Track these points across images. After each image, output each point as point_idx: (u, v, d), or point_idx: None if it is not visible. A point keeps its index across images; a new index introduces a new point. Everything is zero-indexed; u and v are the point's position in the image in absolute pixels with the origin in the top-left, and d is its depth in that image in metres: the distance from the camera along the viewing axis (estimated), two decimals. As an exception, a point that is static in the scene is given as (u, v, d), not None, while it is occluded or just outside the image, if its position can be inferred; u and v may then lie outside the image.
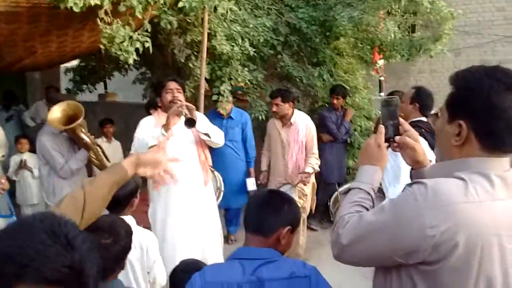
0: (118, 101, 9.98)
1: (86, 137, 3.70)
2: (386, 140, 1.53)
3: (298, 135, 4.59)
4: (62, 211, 1.34)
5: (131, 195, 2.27)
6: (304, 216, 4.56)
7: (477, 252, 1.20)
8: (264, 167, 4.95)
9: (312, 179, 4.72)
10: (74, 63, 8.41)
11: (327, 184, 5.53)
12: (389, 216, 1.28)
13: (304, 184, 4.46)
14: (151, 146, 3.38)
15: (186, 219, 3.58)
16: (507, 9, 8.50)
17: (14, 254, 0.88)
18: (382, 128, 1.53)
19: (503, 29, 8.53)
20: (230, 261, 1.69)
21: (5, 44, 4.42)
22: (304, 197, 4.39)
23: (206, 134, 3.60)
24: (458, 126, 1.29)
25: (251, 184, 5.06)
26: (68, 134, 3.80)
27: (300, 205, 4.30)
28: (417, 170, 1.57)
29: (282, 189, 4.44)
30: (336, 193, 4.65)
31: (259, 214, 1.74)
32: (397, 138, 1.54)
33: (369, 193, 1.47)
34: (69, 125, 3.56)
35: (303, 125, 4.63)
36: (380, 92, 7.01)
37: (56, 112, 3.52)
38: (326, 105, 6.00)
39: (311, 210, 4.74)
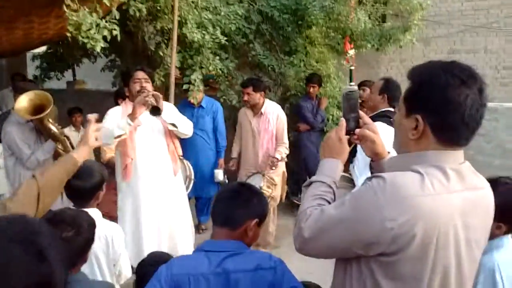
0: (87, 88, 9.78)
1: (54, 128, 3.62)
2: (347, 133, 1.56)
3: (269, 124, 4.61)
4: (19, 203, 1.33)
5: (96, 188, 2.24)
6: (274, 204, 4.60)
7: (433, 242, 1.25)
8: (234, 154, 4.96)
9: (282, 167, 4.76)
10: (42, 49, 8.19)
11: (309, 174, 5.61)
12: (350, 210, 1.31)
13: (271, 168, 4.49)
14: (117, 136, 3.35)
15: (155, 210, 3.57)
16: (476, -1, 8.67)
17: None
18: (343, 121, 1.55)
19: (472, 19, 8.70)
20: (197, 253, 1.70)
21: (-32, 31, 4.27)
22: (274, 187, 4.42)
23: (173, 125, 3.57)
24: (415, 120, 1.32)
25: (219, 175, 5.05)
26: (35, 125, 3.72)
27: (269, 194, 4.33)
28: (377, 162, 1.60)
29: (252, 178, 4.48)
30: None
31: (227, 207, 1.75)
32: (357, 130, 1.57)
33: (330, 186, 1.49)
34: (37, 115, 3.47)
35: (273, 114, 4.65)
36: (351, 81, 7.04)
37: (23, 102, 3.42)
38: (298, 94, 6.03)
39: (281, 199, 4.78)
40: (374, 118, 2.51)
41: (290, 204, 6.07)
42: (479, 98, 1.28)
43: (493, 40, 8.69)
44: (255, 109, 4.68)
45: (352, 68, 6.28)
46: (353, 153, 3.23)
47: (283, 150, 4.62)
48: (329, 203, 1.45)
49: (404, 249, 1.24)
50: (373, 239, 1.25)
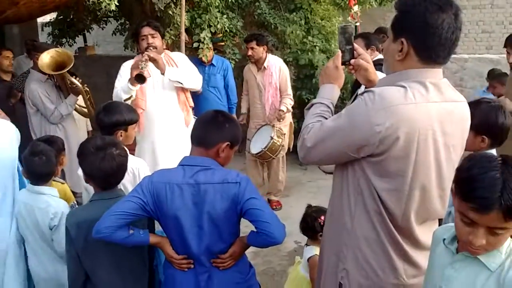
0: (99, 54, 9.97)
1: (76, 82, 3.86)
2: (343, 63, 1.78)
3: (272, 78, 4.83)
4: None
5: (118, 125, 2.50)
6: (283, 153, 4.86)
7: (414, 143, 1.49)
8: (244, 110, 5.21)
9: (289, 118, 5.00)
10: (52, 16, 8.34)
11: None
12: (345, 119, 1.56)
13: (279, 121, 4.73)
14: (126, 99, 3.42)
15: (171, 157, 3.68)
16: None
17: None
18: (339, 52, 1.77)
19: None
20: (176, 167, 1.99)
21: (-13, -4, 4.47)
22: (283, 136, 4.67)
23: (178, 82, 3.59)
24: (401, 43, 1.55)
25: None
26: (57, 80, 3.96)
27: (279, 144, 4.59)
28: (370, 88, 1.83)
29: (262, 129, 4.73)
30: None
31: (203, 129, 2.01)
32: (352, 61, 1.78)
33: (328, 107, 1.73)
34: (59, 71, 3.71)
35: (276, 68, 4.85)
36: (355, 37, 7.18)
37: (46, 58, 3.66)
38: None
39: (289, 148, 5.04)
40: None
41: (298, 157, 6.33)
42: (455, 22, 1.50)
43: (500, -6, 8.69)
44: (259, 64, 4.88)
45: (357, 24, 6.40)
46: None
47: (288, 102, 4.85)
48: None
49: (390, 149, 1.49)
50: (364, 142, 1.50)
